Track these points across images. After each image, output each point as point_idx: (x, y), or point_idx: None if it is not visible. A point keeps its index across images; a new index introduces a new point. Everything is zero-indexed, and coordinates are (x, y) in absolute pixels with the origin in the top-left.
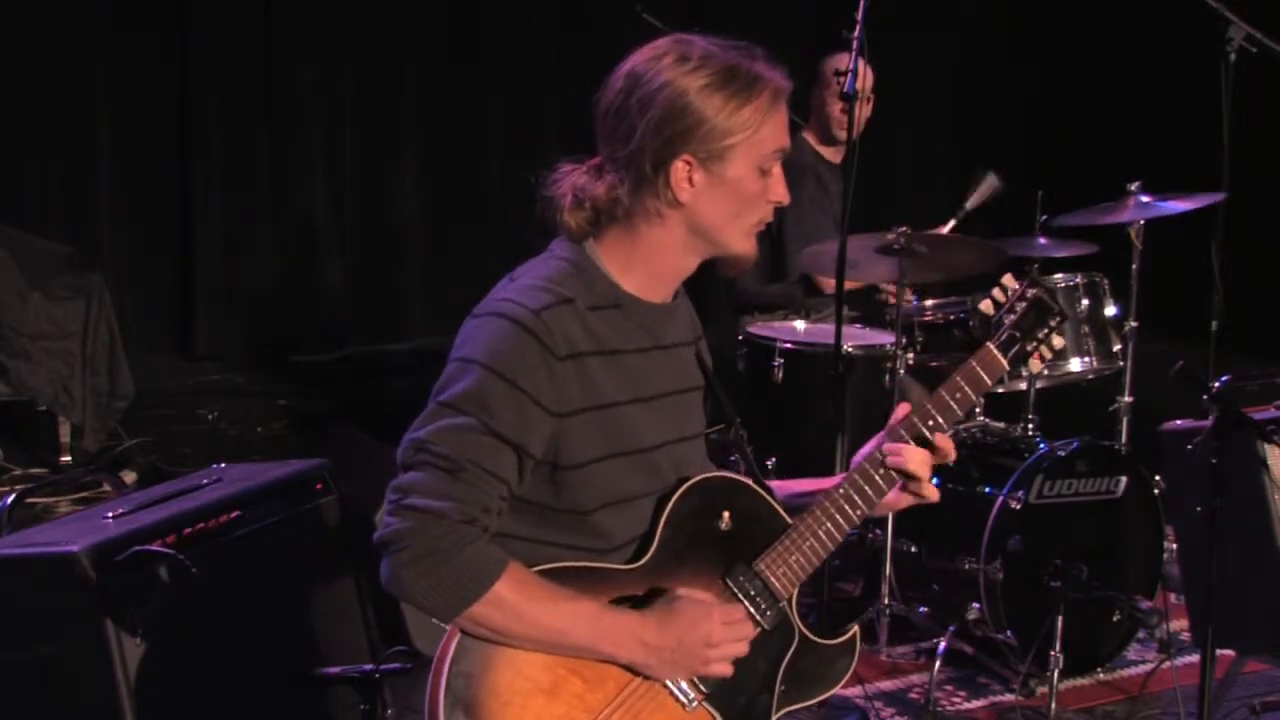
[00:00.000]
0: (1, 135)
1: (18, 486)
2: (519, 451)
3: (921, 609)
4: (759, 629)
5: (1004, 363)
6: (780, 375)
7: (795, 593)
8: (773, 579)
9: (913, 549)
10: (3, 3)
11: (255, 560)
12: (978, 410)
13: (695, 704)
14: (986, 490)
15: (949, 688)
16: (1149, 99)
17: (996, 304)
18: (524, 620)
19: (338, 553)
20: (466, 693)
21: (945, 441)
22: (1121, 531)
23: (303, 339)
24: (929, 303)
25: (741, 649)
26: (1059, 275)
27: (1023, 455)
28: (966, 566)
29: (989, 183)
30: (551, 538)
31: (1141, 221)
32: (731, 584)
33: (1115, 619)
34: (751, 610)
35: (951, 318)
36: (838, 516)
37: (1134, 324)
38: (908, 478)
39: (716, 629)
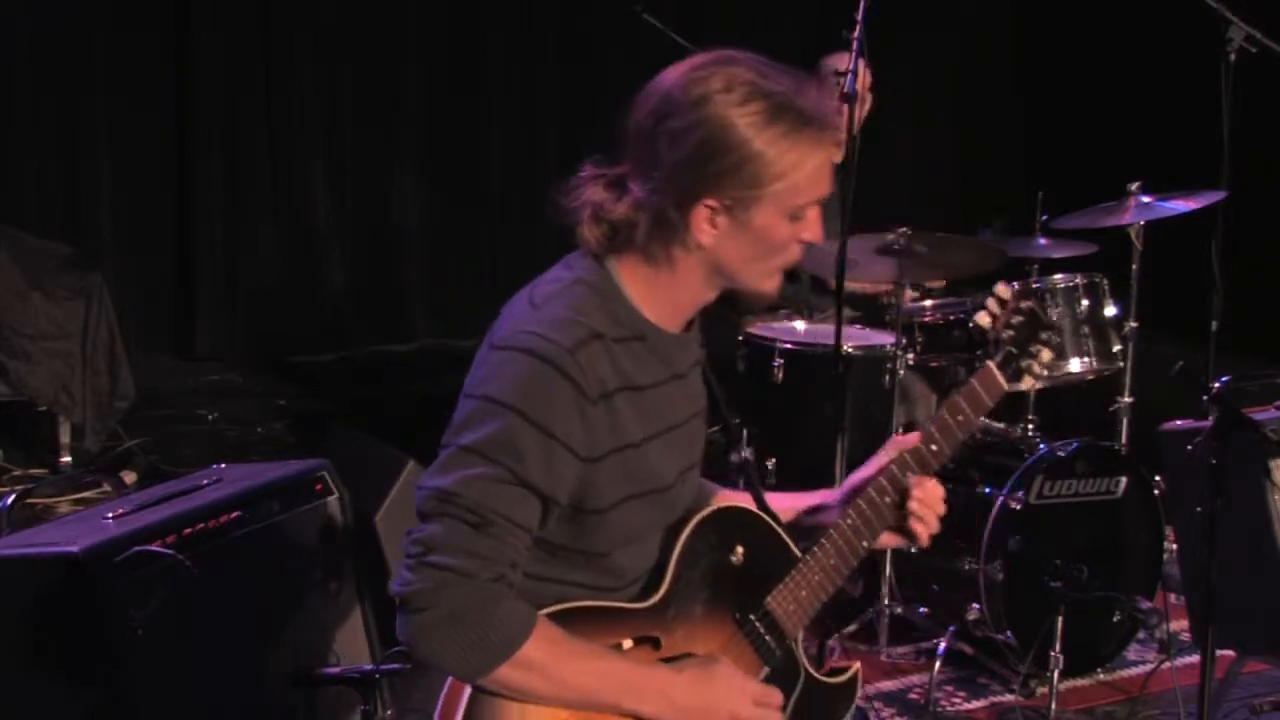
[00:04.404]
0: (2, 135)
1: (18, 486)
2: (545, 500)
3: (921, 609)
4: (767, 670)
5: (1003, 382)
6: (780, 375)
7: (801, 632)
8: (783, 617)
9: (913, 549)
10: (2, 3)
11: (255, 560)
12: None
13: None
14: (986, 490)
15: (949, 688)
16: (1149, 99)
17: (993, 316)
18: (551, 681)
19: (338, 553)
20: None
21: (933, 486)
22: (1121, 531)
23: (303, 339)
24: (929, 303)
25: None
26: (1059, 275)
27: (1023, 455)
28: (966, 567)
29: None
30: (559, 575)
31: (1142, 222)
32: (743, 624)
33: (1115, 619)
34: (760, 651)
35: (951, 318)
36: (845, 550)
37: (1134, 324)
38: (918, 512)
39: (745, 709)
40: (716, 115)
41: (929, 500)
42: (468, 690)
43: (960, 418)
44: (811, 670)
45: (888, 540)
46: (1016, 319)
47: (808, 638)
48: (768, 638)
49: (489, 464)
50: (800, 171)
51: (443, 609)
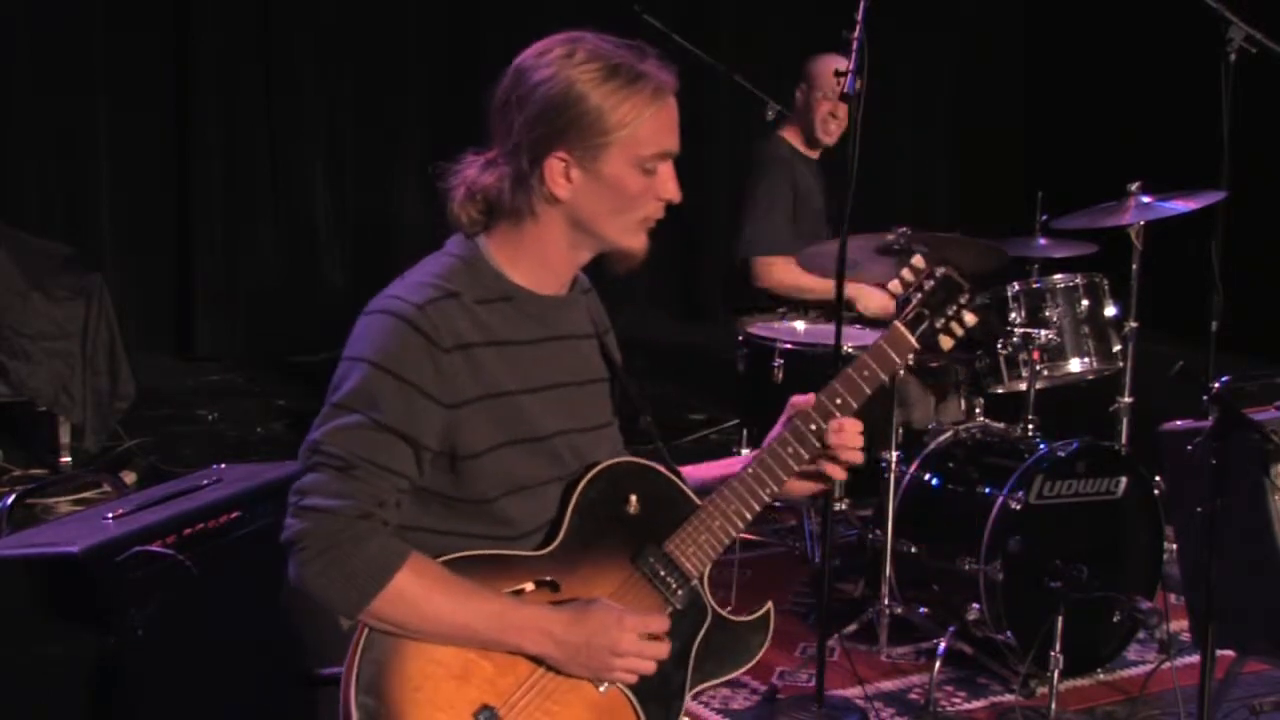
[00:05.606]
0: (2, 135)
1: (18, 486)
2: (413, 444)
3: (921, 609)
4: (670, 609)
5: (912, 340)
6: (780, 375)
7: (707, 572)
8: (683, 559)
9: (913, 549)
10: (2, 2)
11: (255, 560)
12: (978, 410)
13: (608, 683)
14: (986, 490)
15: (949, 688)
16: (1149, 99)
17: (905, 283)
18: (425, 615)
19: None
20: (378, 681)
21: (851, 423)
22: (1121, 531)
23: (303, 339)
24: None
25: (648, 666)
26: (1059, 275)
27: (1023, 455)
28: (966, 567)
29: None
30: (457, 527)
31: (1142, 222)
32: (640, 566)
33: (1115, 619)
34: (662, 591)
35: None
36: (747, 496)
37: (1134, 324)
38: (836, 451)
39: (625, 639)
40: (558, 76)
41: (845, 438)
42: (366, 632)
43: (866, 373)
44: (719, 609)
45: (797, 487)
46: (929, 283)
47: (715, 584)
48: (668, 579)
49: (351, 414)
50: (639, 121)
51: (318, 546)
